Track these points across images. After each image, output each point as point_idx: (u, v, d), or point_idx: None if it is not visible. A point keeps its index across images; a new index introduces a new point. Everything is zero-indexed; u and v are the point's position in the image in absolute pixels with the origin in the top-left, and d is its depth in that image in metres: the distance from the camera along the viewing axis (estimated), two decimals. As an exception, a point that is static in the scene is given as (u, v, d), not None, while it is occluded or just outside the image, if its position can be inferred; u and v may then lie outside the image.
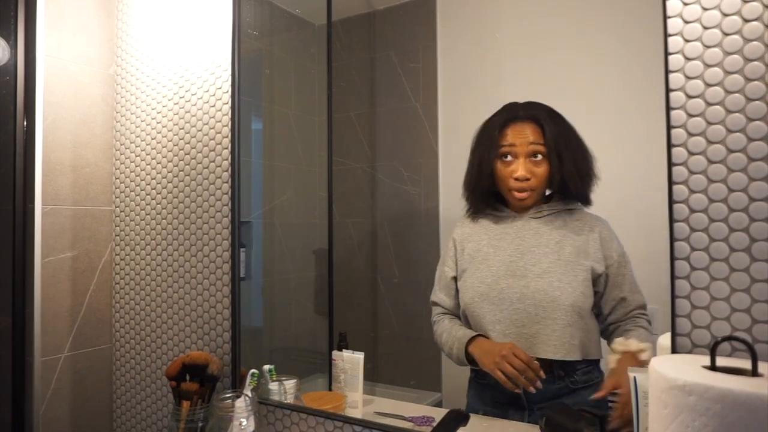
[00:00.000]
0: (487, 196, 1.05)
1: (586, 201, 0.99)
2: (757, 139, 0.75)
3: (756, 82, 0.75)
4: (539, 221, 1.01)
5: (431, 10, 1.25)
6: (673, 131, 0.81)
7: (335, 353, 1.19)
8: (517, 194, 1.01)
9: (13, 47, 1.38)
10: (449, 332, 1.08)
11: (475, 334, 1.03)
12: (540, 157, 0.99)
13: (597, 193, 0.98)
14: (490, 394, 1.04)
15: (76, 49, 1.47)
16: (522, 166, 0.99)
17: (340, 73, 1.38)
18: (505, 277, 1.01)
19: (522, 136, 1.00)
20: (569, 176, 0.98)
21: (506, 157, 1.01)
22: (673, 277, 0.80)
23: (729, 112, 0.77)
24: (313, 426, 1.16)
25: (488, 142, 1.04)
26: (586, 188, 0.98)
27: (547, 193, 1.02)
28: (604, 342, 0.98)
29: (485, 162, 1.03)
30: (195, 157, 1.39)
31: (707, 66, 0.79)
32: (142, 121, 1.50)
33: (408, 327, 1.29)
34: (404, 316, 1.29)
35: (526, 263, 1.00)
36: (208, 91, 1.36)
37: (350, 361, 1.17)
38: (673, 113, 0.81)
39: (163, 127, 1.46)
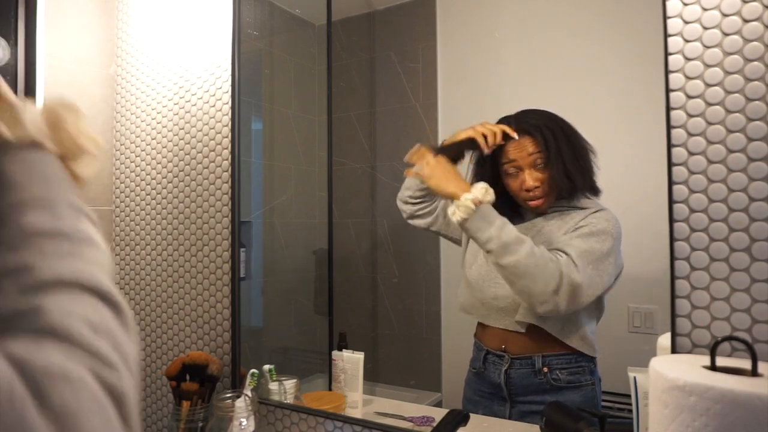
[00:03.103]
0: (503, 204, 1.06)
1: (593, 191, 0.99)
2: (757, 139, 0.75)
3: (756, 82, 0.75)
4: (544, 219, 1.03)
5: (431, 10, 1.25)
6: (673, 131, 0.81)
7: (335, 353, 1.19)
8: (531, 203, 1.02)
9: (14, 47, 1.37)
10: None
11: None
12: (543, 164, 1.00)
13: (597, 194, 0.98)
14: (476, 383, 1.08)
15: (76, 49, 1.47)
16: (529, 177, 1.01)
17: (340, 73, 1.38)
18: None
19: (521, 150, 1.02)
20: (570, 179, 0.99)
21: (512, 171, 1.03)
22: (673, 277, 0.80)
23: (729, 112, 0.77)
24: (313, 426, 1.16)
25: (491, 161, 1.05)
26: (587, 185, 0.99)
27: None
28: (598, 341, 0.98)
29: (493, 180, 1.04)
30: (195, 157, 1.39)
31: (707, 66, 0.79)
32: (142, 121, 1.50)
33: (408, 327, 1.29)
34: (404, 316, 1.29)
35: None
36: (208, 91, 1.36)
37: (350, 361, 1.17)
38: (673, 113, 0.81)
39: (163, 127, 1.45)
